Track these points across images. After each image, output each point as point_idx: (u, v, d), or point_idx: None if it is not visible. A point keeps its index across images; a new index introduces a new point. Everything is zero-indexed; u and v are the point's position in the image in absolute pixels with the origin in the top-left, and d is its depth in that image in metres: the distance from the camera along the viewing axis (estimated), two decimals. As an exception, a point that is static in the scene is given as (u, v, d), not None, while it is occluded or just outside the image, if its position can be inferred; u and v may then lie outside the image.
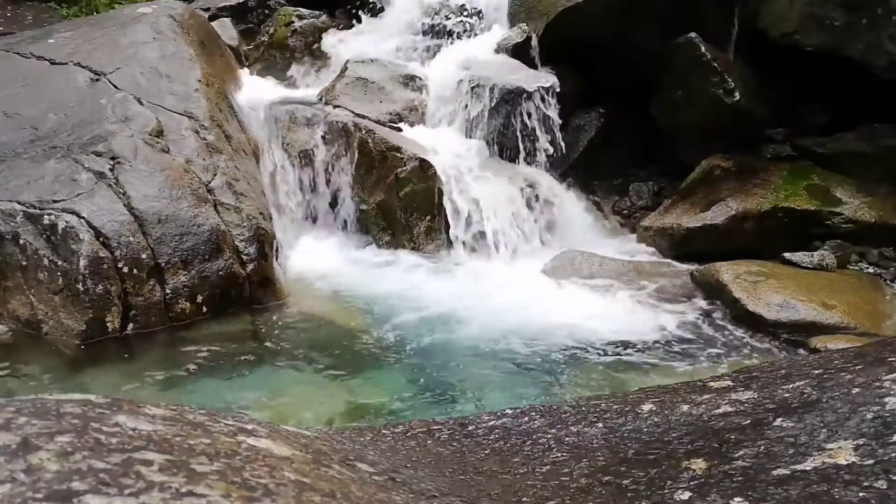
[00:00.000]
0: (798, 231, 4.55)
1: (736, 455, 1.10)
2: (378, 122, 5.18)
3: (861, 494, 0.90)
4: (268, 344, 3.74)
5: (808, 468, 1.00)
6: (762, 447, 1.10)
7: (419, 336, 3.83)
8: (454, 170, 4.95)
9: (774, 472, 1.01)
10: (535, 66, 5.48)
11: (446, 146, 5.14)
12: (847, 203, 4.59)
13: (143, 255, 3.74)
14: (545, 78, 5.27)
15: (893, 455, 0.97)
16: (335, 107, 5.28)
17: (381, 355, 3.64)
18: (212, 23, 6.13)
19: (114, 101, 4.40)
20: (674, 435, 1.25)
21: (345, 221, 5.09)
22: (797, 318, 3.81)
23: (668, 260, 4.78)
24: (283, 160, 5.06)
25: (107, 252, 3.65)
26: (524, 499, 1.10)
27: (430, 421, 1.58)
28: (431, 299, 4.19)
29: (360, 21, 6.43)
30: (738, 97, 4.84)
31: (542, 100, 5.15)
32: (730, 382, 1.49)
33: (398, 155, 4.87)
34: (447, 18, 6.00)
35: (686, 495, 1.00)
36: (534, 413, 1.51)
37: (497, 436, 1.40)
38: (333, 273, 4.53)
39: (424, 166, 4.84)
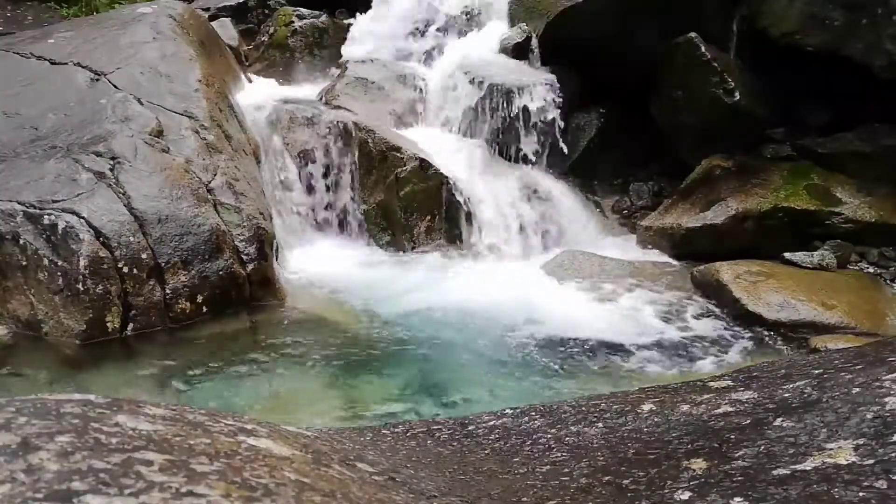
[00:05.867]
0: (798, 231, 4.55)
1: (736, 455, 1.10)
2: (378, 122, 5.19)
3: (861, 494, 0.90)
4: (268, 344, 3.74)
5: (808, 468, 1.00)
6: (762, 447, 1.10)
7: (419, 336, 3.82)
8: (454, 170, 4.95)
9: (774, 472, 1.01)
10: (535, 66, 5.48)
11: (446, 146, 5.14)
12: (847, 203, 4.59)
13: (143, 255, 3.74)
14: (545, 78, 5.27)
15: (893, 455, 0.97)
16: (335, 107, 5.28)
17: (381, 355, 3.64)
18: (212, 23, 6.13)
19: (114, 101, 4.40)
20: (674, 435, 1.25)
21: (345, 221, 5.08)
22: (797, 318, 3.81)
23: (668, 260, 4.78)
24: (282, 160, 5.06)
25: (107, 252, 3.65)
26: (524, 498, 1.10)
27: (430, 421, 1.58)
28: (431, 299, 4.19)
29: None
30: (738, 97, 4.84)
31: (542, 100, 5.15)
32: (730, 382, 1.49)
33: (398, 155, 4.87)
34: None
35: (686, 495, 1.00)
36: (534, 413, 1.51)
37: (497, 436, 1.40)
38: (333, 273, 4.53)
39: (424, 166, 4.84)
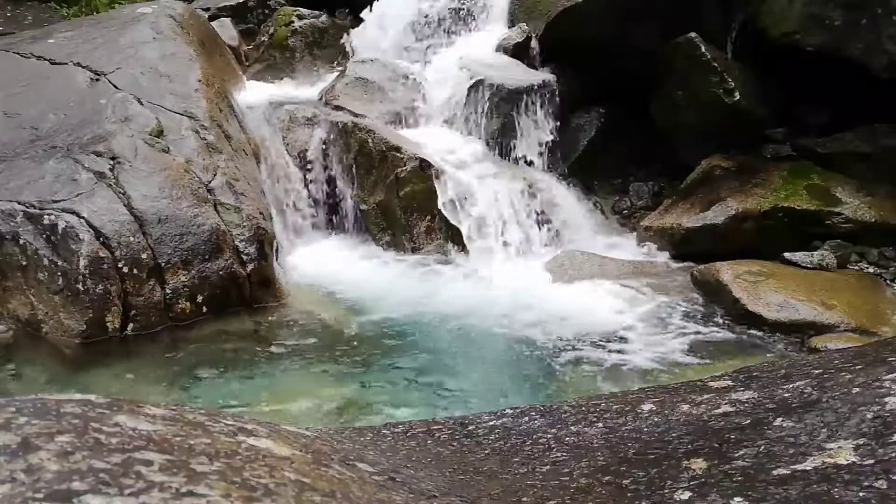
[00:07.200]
0: (798, 231, 4.55)
1: (736, 455, 1.10)
2: (378, 122, 5.18)
3: (861, 494, 0.90)
4: (268, 344, 3.74)
5: (808, 468, 1.00)
6: (762, 447, 1.10)
7: (419, 336, 3.83)
8: (454, 170, 4.94)
9: (774, 472, 1.01)
10: (534, 66, 5.48)
11: (446, 146, 5.14)
12: (847, 203, 4.59)
13: (143, 255, 3.74)
14: (545, 77, 5.26)
15: (893, 455, 0.97)
16: (335, 107, 5.28)
17: (381, 355, 3.64)
18: (212, 23, 6.13)
19: (114, 101, 4.40)
20: (674, 435, 1.25)
21: (345, 221, 5.09)
22: (797, 318, 3.81)
23: (668, 260, 4.78)
24: (282, 160, 5.06)
25: (107, 252, 3.65)
26: (524, 499, 1.10)
27: (430, 421, 1.57)
28: (431, 299, 4.19)
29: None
30: (738, 97, 4.83)
31: (542, 99, 5.14)
32: (730, 382, 1.49)
33: (398, 155, 4.87)
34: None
35: (686, 495, 1.00)
36: (534, 413, 1.51)
37: (497, 436, 1.40)
38: (333, 273, 4.53)
39: (424, 166, 4.84)
